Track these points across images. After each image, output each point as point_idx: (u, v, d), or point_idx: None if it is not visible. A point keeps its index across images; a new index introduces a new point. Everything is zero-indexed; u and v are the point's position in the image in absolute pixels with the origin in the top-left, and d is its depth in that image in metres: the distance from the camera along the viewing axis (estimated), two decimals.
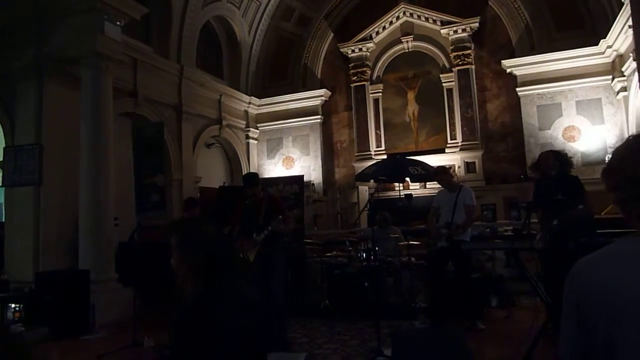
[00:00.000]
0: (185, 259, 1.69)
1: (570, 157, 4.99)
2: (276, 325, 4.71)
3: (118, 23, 7.41)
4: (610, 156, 1.18)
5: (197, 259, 1.66)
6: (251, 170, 12.05)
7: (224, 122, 12.00)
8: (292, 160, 13.12)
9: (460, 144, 11.50)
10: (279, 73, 13.40)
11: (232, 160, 12.95)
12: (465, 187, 5.70)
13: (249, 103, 13.08)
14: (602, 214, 6.77)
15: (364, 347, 4.80)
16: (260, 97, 13.23)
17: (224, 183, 11.66)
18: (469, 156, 11.38)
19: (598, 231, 4.43)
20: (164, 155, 9.15)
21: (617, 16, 8.88)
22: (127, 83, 8.98)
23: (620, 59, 9.65)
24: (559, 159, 4.74)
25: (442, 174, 5.82)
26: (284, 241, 5.13)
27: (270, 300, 4.66)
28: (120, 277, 7.04)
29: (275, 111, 13.27)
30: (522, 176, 10.60)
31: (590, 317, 1.09)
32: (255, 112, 13.39)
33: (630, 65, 8.84)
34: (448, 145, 11.64)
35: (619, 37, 9.24)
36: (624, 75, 9.53)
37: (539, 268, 4.19)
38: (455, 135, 11.63)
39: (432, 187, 10.72)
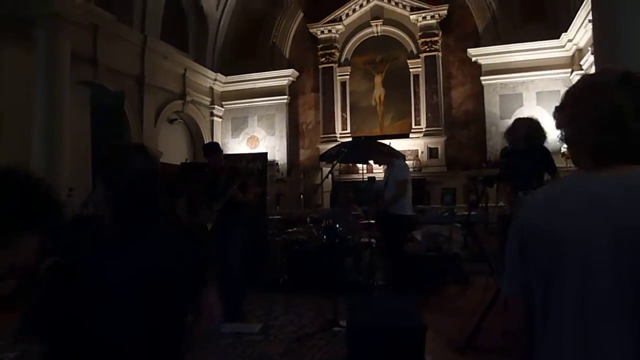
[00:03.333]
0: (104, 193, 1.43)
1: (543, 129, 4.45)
2: (232, 295, 4.67)
3: None
4: (563, 96, 1.20)
5: (113, 195, 1.41)
6: None
7: (188, 98, 11.72)
8: (257, 139, 12.98)
9: (424, 129, 11.65)
10: (246, 51, 13.15)
11: (195, 137, 12.68)
12: (396, 162, 5.54)
13: (215, 80, 12.82)
14: None
15: (320, 319, 4.82)
16: (226, 74, 12.97)
17: (186, 159, 11.43)
18: (432, 142, 11.55)
19: None
20: (123, 128, 8.88)
21: (578, 10, 9.13)
22: (87, 50, 8.62)
23: (580, 52, 9.94)
24: (531, 128, 4.40)
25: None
26: (244, 213, 5.06)
27: (226, 269, 4.61)
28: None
29: (242, 89, 13.07)
30: (483, 163, 10.94)
31: (531, 252, 1.11)
32: (221, 89, 13.15)
33: (588, 59, 9.11)
34: (412, 131, 11.76)
35: (579, 31, 9.51)
36: (582, 69, 9.83)
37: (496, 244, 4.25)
38: (419, 120, 11.76)
39: None
